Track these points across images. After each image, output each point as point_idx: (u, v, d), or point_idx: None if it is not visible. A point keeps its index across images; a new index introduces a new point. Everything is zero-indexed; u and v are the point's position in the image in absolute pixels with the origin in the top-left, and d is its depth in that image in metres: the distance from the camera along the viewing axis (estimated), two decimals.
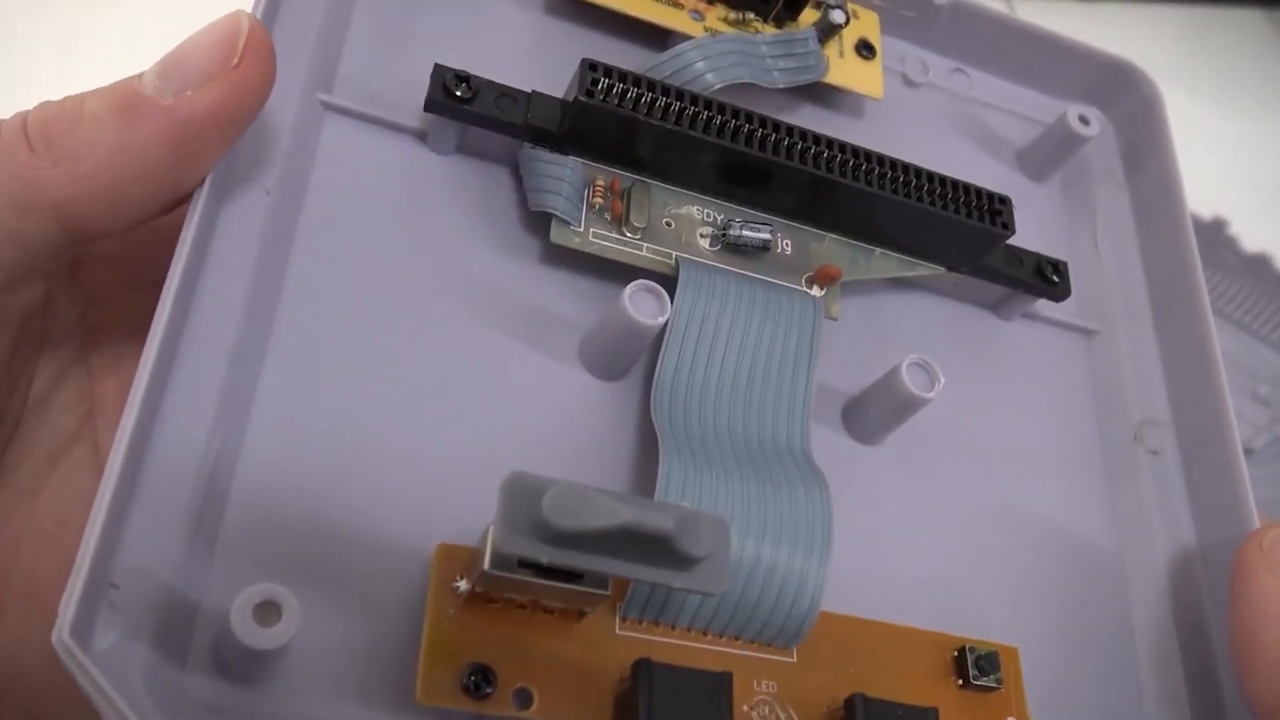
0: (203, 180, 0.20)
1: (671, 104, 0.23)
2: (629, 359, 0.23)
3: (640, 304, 0.21)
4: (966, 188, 0.25)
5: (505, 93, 0.23)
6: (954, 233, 0.25)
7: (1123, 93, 0.31)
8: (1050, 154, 0.30)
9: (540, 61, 0.26)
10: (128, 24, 0.42)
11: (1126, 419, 0.27)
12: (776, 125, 0.23)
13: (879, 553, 0.23)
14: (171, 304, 0.19)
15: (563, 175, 0.23)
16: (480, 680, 0.18)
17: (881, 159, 0.24)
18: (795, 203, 0.25)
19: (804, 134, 0.24)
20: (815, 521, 0.21)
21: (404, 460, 0.21)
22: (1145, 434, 0.27)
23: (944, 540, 0.24)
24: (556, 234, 0.23)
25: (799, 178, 0.24)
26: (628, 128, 0.23)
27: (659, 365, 0.22)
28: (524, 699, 0.18)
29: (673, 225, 0.24)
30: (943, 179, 0.25)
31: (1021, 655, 0.22)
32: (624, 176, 0.24)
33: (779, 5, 0.27)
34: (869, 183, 0.24)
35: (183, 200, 0.20)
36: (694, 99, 0.23)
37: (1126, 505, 0.26)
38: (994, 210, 0.25)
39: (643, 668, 0.18)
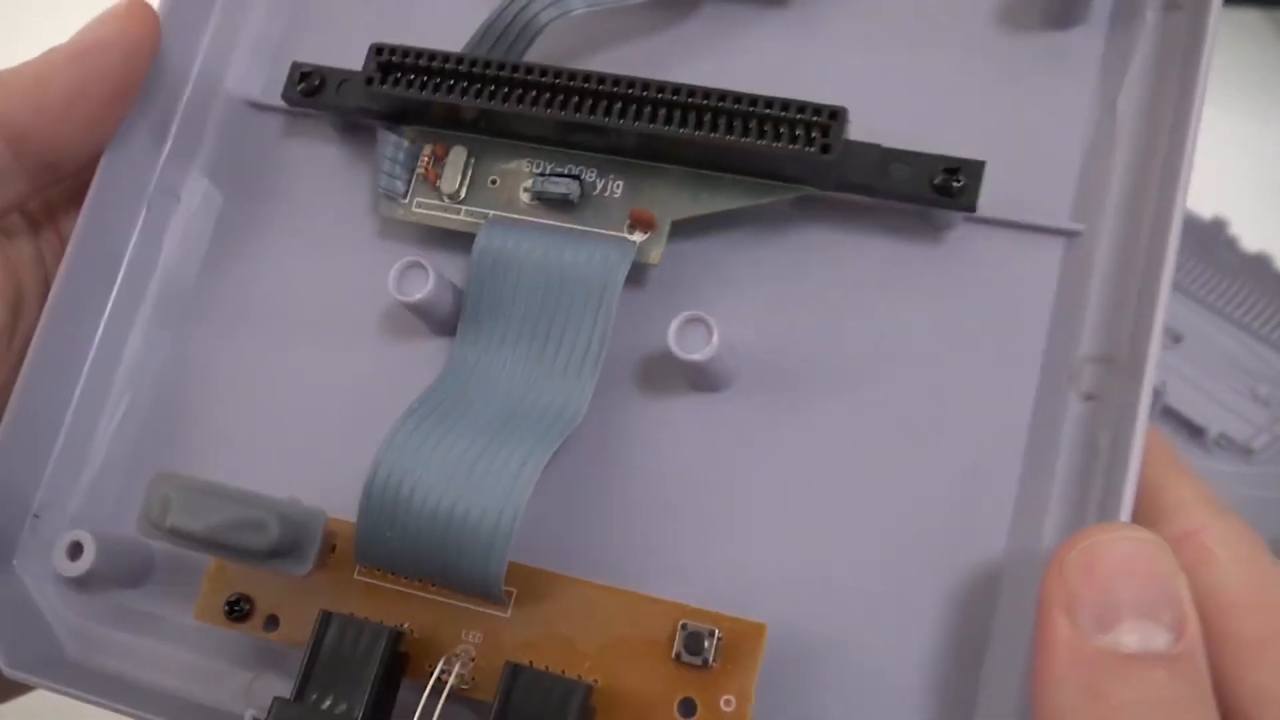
0: (120, 115, 0.25)
1: (462, 75, 0.24)
2: (440, 318, 0.25)
3: (406, 283, 0.23)
4: (786, 104, 0.22)
5: (346, 78, 0.25)
6: (784, 157, 0.22)
7: None
8: (1054, 5, 0.23)
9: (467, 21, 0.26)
10: None
11: (1071, 352, 0.22)
12: (577, 75, 0.23)
13: (677, 514, 0.23)
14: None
15: (392, 153, 0.25)
16: (239, 606, 0.23)
17: (692, 90, 0.22)
18: (634, 142, 0.24)
19: (604, 79, 0.23)
20: (515, 484, 0.21)
21: (272, 425, 0.25)
22: (1083, 373, 0.22)
23: (764, 504, 0.23)
24: (384, 209, 0.25)
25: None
26: (429, 103, 0.24)
27: (459, 324, 0.24)
28: (272, 624, 0.23)
29: (498, 182, 0.25)
30: (768, 100, 0.22)
31: (833, 642, 0.21)
32: (458, 138, 0.25)
33: None
34: (678, 124, 0.22)
35: (106, 136, 0.25)
36: (487, 64, 0.23)
37: (1037, 470, 0.21)
38: (822, 126, 0.22)
39: (320, 619, 0.22)
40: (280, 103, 0.27)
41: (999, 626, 0.21)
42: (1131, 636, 0.18)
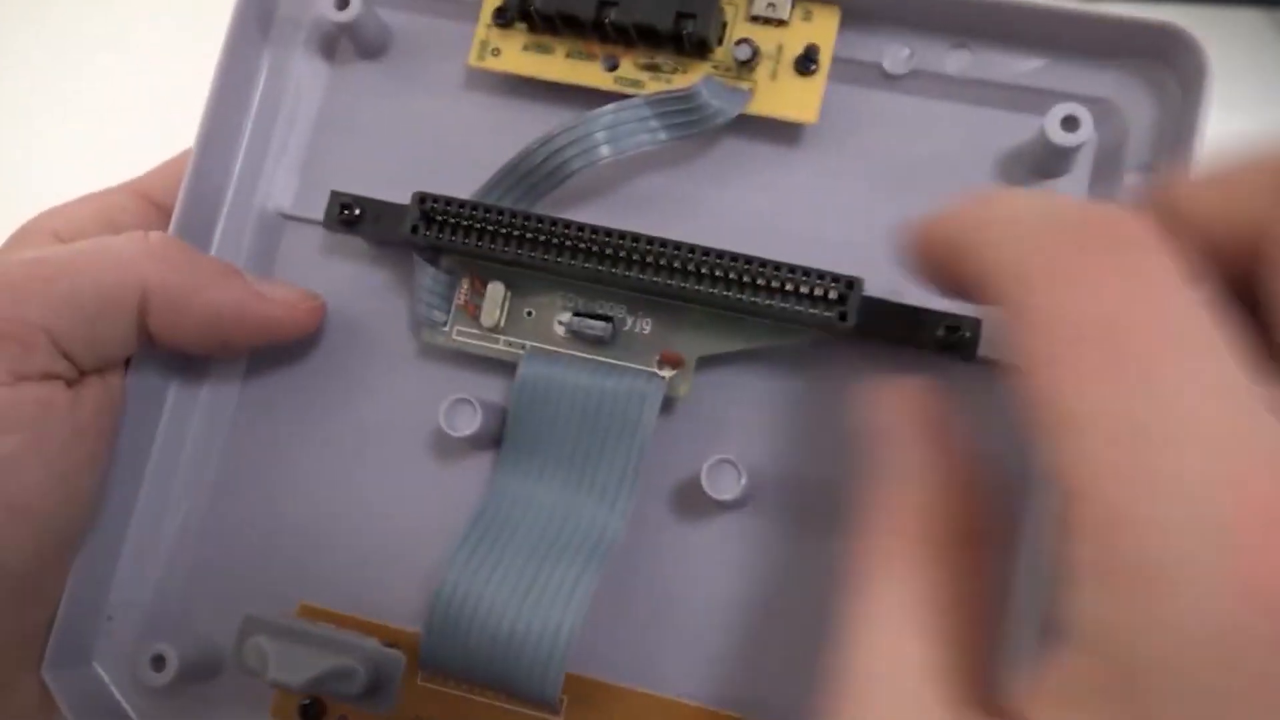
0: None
1: (503, 224, 0.25)
2: (484, 440, 0.27)
3: (455, 419, 0.26)
4: (807, 272, 0.24)
5: (385, 210, 0.27)
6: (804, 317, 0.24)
7: (1165, 62, 0.25)
8: (1041, 160, 0.25)
9: (485, 140, 0.27)
10: (124, 30, 0.48)
11: None
12: (612, 234, 0.25)
13: (710, 623, 0.26)
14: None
15: (431, 285, 0.27)
16: (311, 709, 0.26)
17: (709, 252, 0.24)
18: (661, 288, 0.25)
19: (635, 238, 0.25)
20: (570, 604, 0.24)
21: (326, 540, 0.28)
22: None
23: (793, 609, 0.25)
24: (426, 336, 0.27)
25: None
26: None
27: (500, 451, 0.26)
28: None
29: (533, 314, 0.27)
30: (790, 267, 0.24)
31: None
32: (494, 271, 0.27)
33: (689, 44, 0.26)
34: (700, 283, 0.25)
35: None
36: (526, 218, 0.25)
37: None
38: (840, 295, 0.24)
39: None
40: (311, 215, 0.28)
41: None
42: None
